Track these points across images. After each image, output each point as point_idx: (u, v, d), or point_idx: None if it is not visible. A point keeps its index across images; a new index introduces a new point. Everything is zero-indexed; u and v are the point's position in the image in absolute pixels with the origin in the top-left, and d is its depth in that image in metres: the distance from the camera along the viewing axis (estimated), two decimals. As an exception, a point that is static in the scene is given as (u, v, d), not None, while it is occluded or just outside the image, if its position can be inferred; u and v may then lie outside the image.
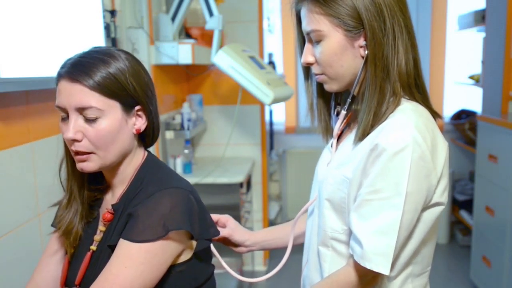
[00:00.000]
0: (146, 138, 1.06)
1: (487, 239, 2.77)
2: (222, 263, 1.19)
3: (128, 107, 0.98)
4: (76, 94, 0.93)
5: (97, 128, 0.94)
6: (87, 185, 1.07)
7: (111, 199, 1.06)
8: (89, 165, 0.97)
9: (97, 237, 1.03)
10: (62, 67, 0.96)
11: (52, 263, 1.10)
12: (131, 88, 0.96)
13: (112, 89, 0.94)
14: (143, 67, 1.03)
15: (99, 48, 1.00)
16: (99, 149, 0.96)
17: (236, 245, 1.24)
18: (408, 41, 0.96)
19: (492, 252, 2.69)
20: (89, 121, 0.94)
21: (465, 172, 3.85)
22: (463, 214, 3.50)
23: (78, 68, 0.94)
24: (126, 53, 1.01)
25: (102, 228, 1.03)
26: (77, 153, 0.96)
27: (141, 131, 1.02)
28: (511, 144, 2.46)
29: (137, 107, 1.00)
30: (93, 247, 1.02)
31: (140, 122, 1.01)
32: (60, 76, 0.95)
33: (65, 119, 0.96)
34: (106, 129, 0.95)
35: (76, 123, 0.94)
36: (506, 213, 2.51)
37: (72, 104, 0.93)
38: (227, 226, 1.23)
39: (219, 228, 1.20)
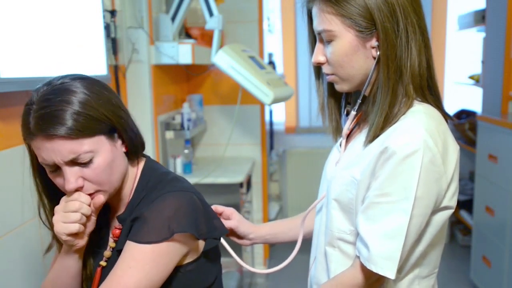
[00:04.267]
0: (131, 152, 1.02)
1: (487, 239, 2.77)
2: (233, 255, 1.20)
3: (111, 134, 0.96)
4: (60, 149, 0.88)
5: (94, 168, 0.92)
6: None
7: (116, 213, 1.05)
8: (100, 200, 0.96)
9: (107, 252, 1.03)
10: (28, 122, 0.89)
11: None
12: (104, 118, 0.92)
13: (90, 127, 0.90)
14: (102, 86, 0.97)
15: (53, 87, 0.91)
16: (103, 185, 0.95)
17: (240, 237, 1.25)
18: (421, 42, 0.94)
19: (492, 252, 2.69)
20: (84, 164, 0.92)
21: (465, 172, 3.85)
22: (463, 214, 3.50)
23: (47, 121, 0.87)
24: (80, 79, 0.94)
25: (112, 244, 1.03)
26: None
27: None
28: (511, 144, 2.46)
29: (117, 131, 0.97)
30: (103, 263, 1.02)
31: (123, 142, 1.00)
32: (32, 134, 0.89)
33: (55, 171, 0.93)
34: (103, 165, 0.93)
35: (72, 172, 0.91)
36: (506, 213, 2.51)
37: (61, 160, 0.89)
38: (232, 219, 1.23)
39: (223, 220, 1.20)
